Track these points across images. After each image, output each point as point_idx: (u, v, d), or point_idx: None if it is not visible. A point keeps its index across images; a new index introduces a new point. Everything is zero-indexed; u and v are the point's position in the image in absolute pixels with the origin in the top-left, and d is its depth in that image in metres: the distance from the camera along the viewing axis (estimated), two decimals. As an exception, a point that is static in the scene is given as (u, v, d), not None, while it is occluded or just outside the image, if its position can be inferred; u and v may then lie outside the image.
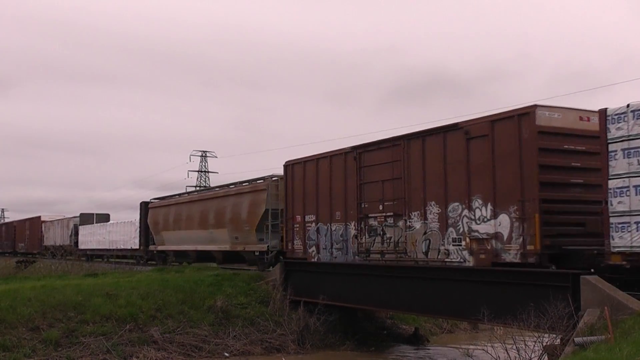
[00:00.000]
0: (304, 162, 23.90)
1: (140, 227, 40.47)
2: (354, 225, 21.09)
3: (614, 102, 15.00)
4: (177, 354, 20.06)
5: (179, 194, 38.73)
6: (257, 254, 27.49)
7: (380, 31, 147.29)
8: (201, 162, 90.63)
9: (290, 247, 24.62)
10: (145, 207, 39.96)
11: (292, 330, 22.09)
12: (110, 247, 47.07)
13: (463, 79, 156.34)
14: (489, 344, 15.68)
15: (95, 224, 53.30)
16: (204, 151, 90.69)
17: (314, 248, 23.24)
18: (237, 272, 28.11)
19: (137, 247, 40.94)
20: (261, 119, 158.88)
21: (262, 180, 28.08)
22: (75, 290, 22.25)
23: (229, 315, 22.50)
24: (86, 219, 56.09)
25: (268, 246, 26.46)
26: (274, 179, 26.75)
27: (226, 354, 20.62)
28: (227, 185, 32.19)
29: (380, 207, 20.05)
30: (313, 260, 23.24)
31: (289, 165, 24.89)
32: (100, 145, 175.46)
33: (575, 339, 12.22)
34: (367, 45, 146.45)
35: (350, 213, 21.37)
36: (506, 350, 14.85)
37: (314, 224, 23.23)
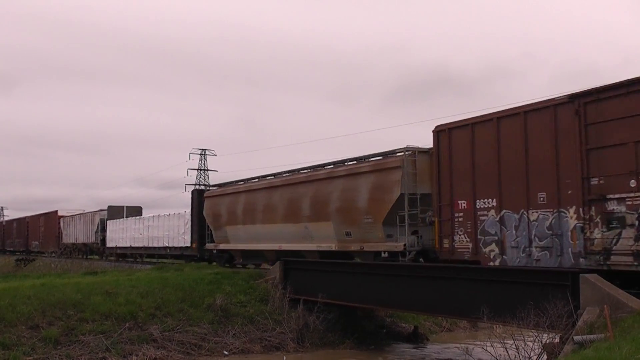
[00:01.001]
0: (471, 125, 17.78)
1: (192, 220, 33.76)
2: (576, 213, 14.96)
3: None
4: (176, 352, 20.05)
5: (249, 179, 30.14)
6: (384, 254, 20.66)
7: (385, 30, 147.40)
8: (200, 160, 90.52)
9: (447, 246, 18.32)
10: (199, 196, 33.23)
11: (291, 329, 22.09)
12: (150, 245, 40.77)
13: (467, 78, 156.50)
14: (489, 343, 15.68)
15: (128, 218, 46.66)
16: (204, 149, 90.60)
17: (493, 246, 17.00)
18: (236, 270, 28.07)
19: (188, 244, 34.58)
20: (262, 117, 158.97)
21: (393, 156, 20.84)
22: (74, 288, 22.25)
23: (229, 313, 22.52)
24: (115, 212, 49.78)
25: (405, 244, 19.78)
26: (407, 152, 19.95)
27: (225, 352, 20.62)
28: (331, 165, 24.20)
29: (633, 183, 13.92)
30: (492, 264, 17.00)
31: (443, 131, 18.64)
32: (101, 143, 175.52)
33: (574, 337, 12.23)
34: (371, 44, 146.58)
35: (566, 194, 15.17)
36: (505, 348, 14.86)
37: (493, 212, 17.01)
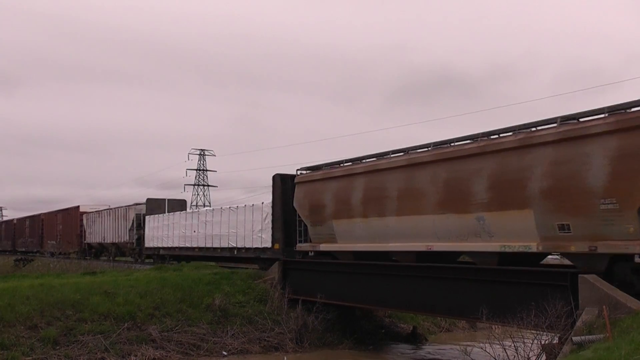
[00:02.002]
0: None
1: (274, 213, 26.75)
2: None
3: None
4: (175, 352, 20.05)
5: (365, 157, 22.40)
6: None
7: (387, 29, 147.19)
8: (199, 160, 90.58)
9: None
10: (283, 182, 26.41)
11: (290, 329, 22.10)
12: (208, 245, 32.92)
13: (470, 78, 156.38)
14: (488, 343, 15.69)
15: (176, 213, 38.10)
16: (203, 149, 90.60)
17: None
18: (235, 270, 27.99)
19: (268, 244, 27.27)
20: (263, 117, 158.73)
21: None
22: (73, 288, 22.23)
23: (227, 313, 22.52)
24: (155, 206, 41.92)
25: None
26: None
27: (224, 353, 20.62)
28: (524, 127, 16.69)
29: None
30: None
31: None
32: (100, 143, 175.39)
33: (573, 338, 12.24)
34: (374, 44, 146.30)
35: None
36: (504, 349, 14.86)
37: None
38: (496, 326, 18.50)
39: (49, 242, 58.53)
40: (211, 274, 26.11)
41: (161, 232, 38.48)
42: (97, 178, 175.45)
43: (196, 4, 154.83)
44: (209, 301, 22.80)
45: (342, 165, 23.58)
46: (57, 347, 18.94)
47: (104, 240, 47.42)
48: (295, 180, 25.55)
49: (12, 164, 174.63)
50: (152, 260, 39.79)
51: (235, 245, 30.39)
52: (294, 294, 23.47)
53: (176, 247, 36.62)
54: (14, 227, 73.34)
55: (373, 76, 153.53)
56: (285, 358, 20.48)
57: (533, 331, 14.32)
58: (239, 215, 30.19)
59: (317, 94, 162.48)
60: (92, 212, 51.26)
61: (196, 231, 34.15)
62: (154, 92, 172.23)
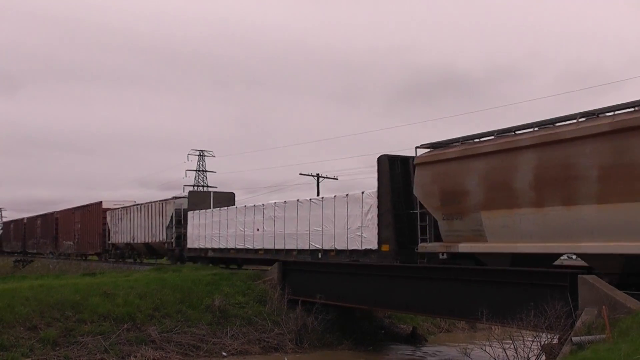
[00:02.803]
0: None
1: (381, 206, 21.59)
2: None
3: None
4: (174, 353, 20.05)
5: (530, 125, 16.94)
6: None
7: (390, 31, 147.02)
8: (199, 161, 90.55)
9: None
10: (393, 166, 21.58)
11: (289, 330, 22.10)
12: (279, 247, 27.08)
13: (472, 79, 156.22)
14: (487, 344, 15.70)
15: (233, 207, 32.22)
16: (202, 150, 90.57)
17: None
18: (234, 271, 27.96)
19: (373, 245, 21.81)
20: (264, 118, 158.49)
21: None
22: (72, 289, 22.23)
23: (227, 314, 22.52)
24: (198, 200, 35.61)
25: None
26: None
27: (224, 354, 20.61)
28: None
29: None
30: None
31: None
32: (101, 144, 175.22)
33: (573, 338, 12.25)
34: (376, 45, 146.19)
35: None
36: (504, 349, 14.87)
37: None
38: (496, 327, 18.48)
39: (64, 242, 53.67)
40: (210, 275, 26.12)
41: (209, 231, 32.62)
42: (96, 179, 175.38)
43: (197, 6, 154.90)
44: (209, 302, 22.81)
45: (484, 140, 18.09)
46: (57, 348, 18.93)
47: (133, 240, 41.84)
48: (417, 161, 19.99)
49: (12, 165, 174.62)
50: (196, 263, 34.00)
51: (319, 246, 24.72)
52: (294, 295, 23.48)
53: (231, 249, 30.83)
54: (24, 227, 68.37)
55: (376, 77, 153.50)
56: (285, 358, 20.48)
57: (533, 332, 14.34)
58: (325, 208, 24.42)
59: (319, 95, 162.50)
60: (118, 208, 45.57)
61: (260, 229, 28.31)
62: (155, 93, 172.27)
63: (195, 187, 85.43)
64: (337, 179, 51.64)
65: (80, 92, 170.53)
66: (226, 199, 36.10)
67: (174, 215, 36.60)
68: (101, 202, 48.67)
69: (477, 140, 18.49)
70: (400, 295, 19.42)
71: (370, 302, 21.07)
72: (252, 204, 30.09)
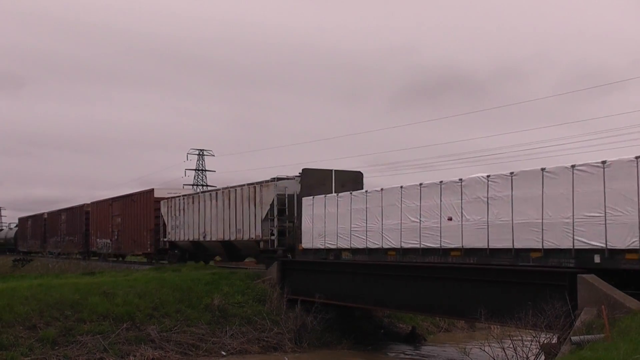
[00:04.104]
0: None
1: None
2: None
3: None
4: (174, 352, 20.06)
5: None
6: None
7: (394, 31, 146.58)
8: (198, 160, 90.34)
9: None
10: None
11: (289, 329, 22.10)
12: (496, 246, 16.92)
13: (476, 79, 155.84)
14: (486, 343, 15.70)
15: (386, 189, 21.19)
16: (201, 150, 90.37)
17: None
18: (234, 270, 27.99)
19: None
20: (265, 118, 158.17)
21: None
22: (72, 289, 22.22)
23: (226, 313, 22.52)
24: (314, 181, 26.16)
25: None
26: None
27: (223, 353, 20.62)
28: None
29: None
30: None
31: None
32: (100, 143, 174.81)
33: (572, 337, 12.26)
34: (380, 45, 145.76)
35: None
36: (503, 349, 14.87)
37: None
38: (495, 326, 18.49)
39: (98, 240, 44.82)
40: (210, 274, 26.11)
41: (345, 223, 22.72)
42: (96, 178, 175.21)
43: (198, 6, 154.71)
44: (208, 301, 22.80)
45: None
46: (56, 348, 18.95)
47: (204, 237, 32.13)
48: None
49: (12, 164, 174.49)
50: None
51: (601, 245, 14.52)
52: (293, 294, 23.47)
53: (389, 249, 20.68)
54: (45, 223, 57.81)
55: (379, 77, 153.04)
56: (285, 358, 20.48)
57: (532, 331, 14.34)
58: (592, 184, 14.74)
59: (321, 95, 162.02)
60: (179, 196, 35.35)
61: (454, 219, 18.43)
62: (155, 92, 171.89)
63: (195, 187, 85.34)
64: None
65: (81, 91, 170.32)
66: (352, 180, 27.01)
67: (275, 202, 26.61)
68: (152, 189, 38.27)
69: None
70: (400, 295, 19.42)
71: (369, 302, 21.08)
72: (439, 182, 19.20)
